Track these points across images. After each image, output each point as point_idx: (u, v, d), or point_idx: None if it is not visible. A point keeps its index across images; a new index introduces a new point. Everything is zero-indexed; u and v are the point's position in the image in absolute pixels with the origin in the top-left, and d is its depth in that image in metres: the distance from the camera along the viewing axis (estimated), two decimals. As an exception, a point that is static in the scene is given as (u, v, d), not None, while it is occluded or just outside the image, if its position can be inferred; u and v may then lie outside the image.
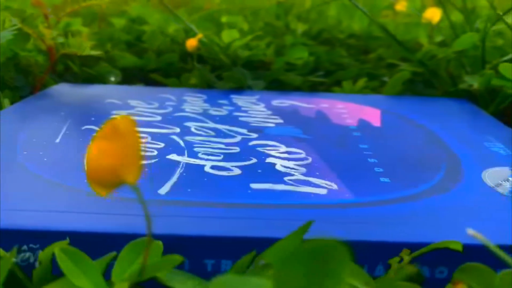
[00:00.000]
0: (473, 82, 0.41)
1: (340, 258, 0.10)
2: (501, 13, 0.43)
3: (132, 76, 0.49)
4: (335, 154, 0.28)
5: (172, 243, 0.19)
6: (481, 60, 0.45)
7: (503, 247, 0.19)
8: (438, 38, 0.52)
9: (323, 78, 0.49)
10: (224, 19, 0.69)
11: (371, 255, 0.20)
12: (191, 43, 0.46)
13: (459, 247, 0.19)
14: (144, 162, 0.26)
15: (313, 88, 0.48)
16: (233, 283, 0.12)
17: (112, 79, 0.46)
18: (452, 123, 0.36)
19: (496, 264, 0.19)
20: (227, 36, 0.47)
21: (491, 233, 0.20)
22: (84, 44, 0.38)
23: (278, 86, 0.47)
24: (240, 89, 0.43)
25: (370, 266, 0.20)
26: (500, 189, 0.25)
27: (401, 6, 0.71)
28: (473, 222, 0.21)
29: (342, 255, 0.10)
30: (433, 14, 0.55)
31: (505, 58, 0.46)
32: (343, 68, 0.52)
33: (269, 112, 0.36)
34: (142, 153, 0.13)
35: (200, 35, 0.46)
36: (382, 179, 0.25)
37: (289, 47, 0.52)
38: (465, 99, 0.43)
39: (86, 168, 0.13)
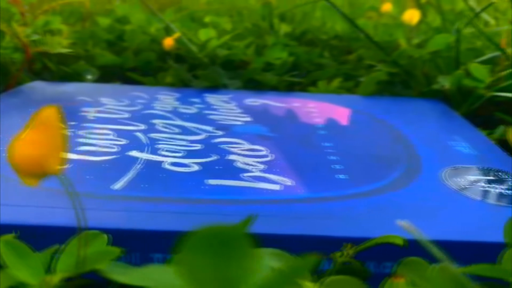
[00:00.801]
0: (445, 82, 0.41)
1: (241, 245, 0.11)
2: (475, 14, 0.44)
3: (111, 75, 0.50)
4: (298, 152, 0.29)
5: (121, 237, 0.19)
6: (455, 61, 0.45)
7: (445, 243, 0.20)
8: (417, 40, 0.53)
9: (299, 78, 0.49)
10: (207, 19, 0.69)
11: (315, 249, 0.20)
12: (168, 42, 0.46)
13: (400, 242, 0.19)
14: (95, 158, 0.26)
15: (291, 88, 0.49)
16: (151, 273, 0.12)
17: (89, 77, 0.46)
18: (420, 122, 0.36)
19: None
20: (204, 34, 0.47)
21: (436, 229, 0.21)
22: (56, 42, 0.38)
23: (256, 85, 0.47)
24: (215, 88, 0.44)
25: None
26: (455, 186, 0.25)
27: (386, 8, 0.71)
28: (421, 218, 0.22)
29: (243, 242, 0.11)
30: (412, 16, 0.55)
31: (479, 59, 0.46)
32: (322, 69, 0.53)
33: (240, 111, 0.36)
34: (65, 144, 0.13)
35: (177, 34, 0.47)
36: (339, 176, 0.26)
37: (268, 47, 0.52)
38: (438, 99, 0.43)
39: (9, 157, 0.13)
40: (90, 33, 0.57)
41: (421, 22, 0.58)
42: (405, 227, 0.15)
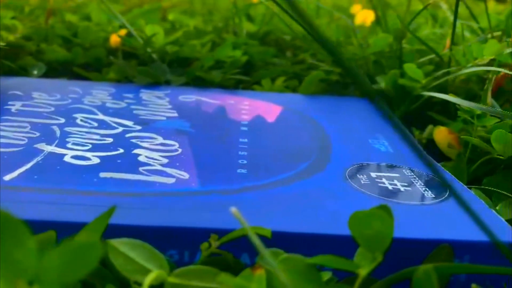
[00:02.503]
0: (382, 82, 0.42)
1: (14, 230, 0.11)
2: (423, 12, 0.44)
3: (60, 70, 0.50)
4: (210, 147, 0.29)
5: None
6: (398, 60, 0.45)
7: (319, 236, 0.20)
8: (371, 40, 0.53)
9: (245, 76, 0.49)
10: (171, 16, 0.69)
11: (186, 240, 0.20)
12: (114, 38, 0.46)
13: (267, 233, 0.19)
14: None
15: (238, 86, 0.49)
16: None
17: (35, 72, 0.46)
18: (348, 121, 0.36)
19: (310, 249, 0.20)
20: (149, 30, 0.47)
21: (317, 222, 0.21)
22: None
23: (203, 82, 0.47)
24: (157, 84, 0.44)
25: (191, 252, 0.20)
26: (354, 182, 0.26)
27: (356, 9, 0.72)
28: (304, 211, 0.22)
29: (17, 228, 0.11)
30: (365, 17, 0.56)
31: (423, 59, 0.47)
32: (275, 68, 0.53)
33: (169, 107, 0.36)
34: None
35: (123, 31, 0.47)
36: (239, 170, 0.26)
37: (219, 45, 0.52)
38: (376, 98, 0.43)
39: None
40: (48, 29, 0.57)
41: (378, 23, 0.58)
42: (235, 215, 0.16)
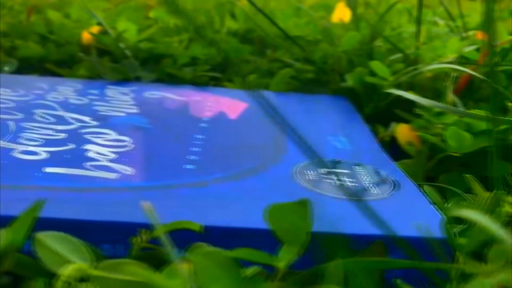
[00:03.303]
0: (349, 80, 0.42)
1: None
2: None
3: (33, 67, 0.50)
4: (163, 143, 0.29)
5: None
6: (369, 59, 0.45)
7: (249, 231, 0.20)
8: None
9: (219, 74, 0.49)
10: (151, 14, 0.69)
11: (118, 235, 0.20)
12: (85, 35, 0.46)
13: (196, 228, 0.19)
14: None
15: (212, 83, 0.49)
16: None
17: (6, 68, 0.46)
18: (312, 118, 0.36)
19: (246, 243, 0.20)
20: (121, 27, 0.47)
21: (251, 217, 0.21)
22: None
23: (174, 79, 0.47)
24: (126, 80, 0.44)
25: (125, 247, 0.20)
26: (300, 179, 0.26)
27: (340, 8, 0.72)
28: (241, 207, 0.22)
29: None
30: (343, 14, 0.56)
31: (394, 56, 0.47)
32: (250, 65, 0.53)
33: (132, 103, 0.36)
34: None
35: (94, 28, 0.47)
36: (187, 166, 0.26)
37: (193, 43, 0.52)
38: (345, 97, 0.44)
39: None
40: (25, 26, 0.57)
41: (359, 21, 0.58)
42: (146, 209, 0.16)
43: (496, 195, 0.23)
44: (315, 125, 0.35)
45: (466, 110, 0.30)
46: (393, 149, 0.37)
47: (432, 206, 0.24)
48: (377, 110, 0.44)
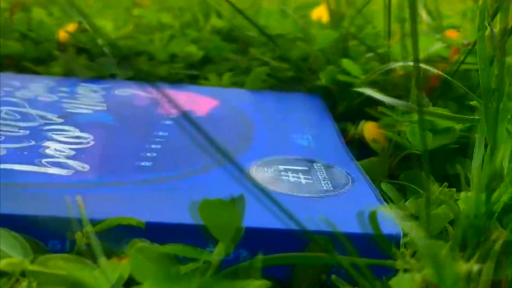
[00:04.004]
0: (322, 78, 0.42)
1: None
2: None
3: (10, 64, 0.50)
4: (124, 140, 0.29)
5: None
6: (345, 57, 0.46)
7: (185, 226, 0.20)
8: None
9: (197, 71, 0.50)
10: (135, 12, 0.69)
11: (65, 230, 0.20)
12: (62, 33, 0.46)
13: (134, 223, 0.20)
14: None
15: (189, 80, 0.49)
16: None
17: (-16, 66, 0.46)
18: (281, 116, 0.37)
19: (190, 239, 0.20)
20: (98, 24, 0.47)
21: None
22: None
23: (154, 77, 0.47)
24: (101, 77, 0.44)
25: (72, 242, 0.21)
26: (256, 175, 0.26)
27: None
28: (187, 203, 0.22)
29: None
30: (322, 13, 0.56)
31: (369, 55, 0.47)
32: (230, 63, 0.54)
33: (101, 100, 0.36)
34: None
35: (71, 26, 0.47)
36: (144, 163, 0.26)
37: (172, 40, 0.52)
38: (317, 95, 0.44)
39: None
40: (7, 24, 0.57)
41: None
42: (78, 204, 0.16)
43: (442, 192, 0.23)
44: (283, 123, 0.35)
45: (427, 108, 0.30)
46: (362, 147, 0.37)
47: (381, 204, 0.24)
48: (350, 108, 0.44)
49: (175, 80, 0.48)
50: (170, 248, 0.17)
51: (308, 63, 0.48)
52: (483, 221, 0.18)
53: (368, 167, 0.33)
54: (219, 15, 0.80)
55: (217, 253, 0.17)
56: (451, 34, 0.43)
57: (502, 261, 0.17)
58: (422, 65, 0.34)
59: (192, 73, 0.49)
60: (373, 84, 0.43)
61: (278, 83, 0.48)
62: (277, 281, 0.20)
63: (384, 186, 0.28)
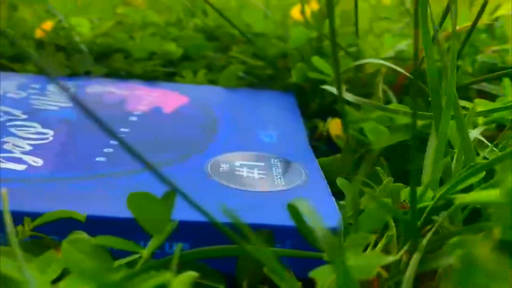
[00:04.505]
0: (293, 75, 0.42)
1: None
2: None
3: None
4: (84, 136, 0.30)
5: None
6: (320, 55, 0.46)
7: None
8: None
9: (170, 69, 0.50)
10: (119, 10, 0.70)
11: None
12: (39, 31, 0.47)
13: (78, 217, 0.20)
14: None
15: (165, 78, 0.50)
16: None
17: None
18: (249, 113, 0.37)
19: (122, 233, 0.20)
20: (75, 22, 0.48)
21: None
22: None
23: (130, 74, 0.48)
24: (76, 75, 0.44)
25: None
26: (210, 170, 0.26)
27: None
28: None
29: None
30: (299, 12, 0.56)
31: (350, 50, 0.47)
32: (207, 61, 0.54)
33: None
34: None
35: (48, 24, 0.47)
36: (99, 158, 0.27)
37: (148, 37, 0.53)
38: (291, 93, 0.44)
39: None
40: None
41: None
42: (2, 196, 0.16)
43: (386, 187, 0.23)
44: (250, 120, 0.35)
45: (385, 105, 0.30)
46: (331, 143, 0.37)
47: (330, 199, 0.24)
48: (323, 106, 0.44)
49: (151, 78, 0.48)
50: (102, 240, 0.17)
51: (285, 62, 0.48)
52: (416, 217, 0.18)
53: (332, 164, 0.33)
54: (205, 13, 0.80)
55: (150, 247, 0.17)
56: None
57: (427, 256, 0.18)
58: (387, 63, 0.34)
59: (170, 71, 0.49)
60: (346, 82, 0.43)
61: (256, 82, 0.49)
62: (225, 274, 0.21)
63: (339, 181, 0.28)
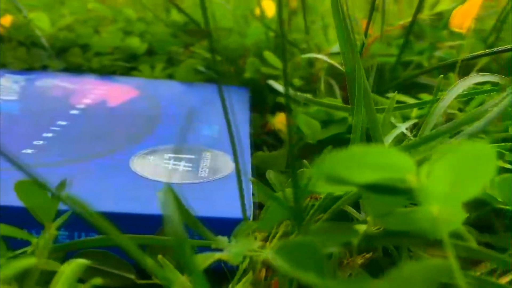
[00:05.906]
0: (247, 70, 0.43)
1: None
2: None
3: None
4: (20, 128, 0.30)
5: None
6: (281, 51, 0.46)
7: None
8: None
9: (130, 64, 0.50)
10: (90, 5, 0.70)
11: None
12: (-2, 25, 0.47)
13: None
14: None
15: (124, 72, 0.50)
16: None
17: None
18: (195, 106, 0.37)
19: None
20: (34, 17, 0.48)
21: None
22: None
23: (90, 69, 0.48)
24: (33, 69, 0.45)
25: None
26: (135, 164, 0.27)
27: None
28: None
29: None
30: (268, 8, 0.56)
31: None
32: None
33: (16, 90, 0.37)
34: None
35: (7, 18, 0.48)
36: (26, 150, 0.27)
37: (109, 33, 0.53)
38: (246, 88, 0.44)
39: None
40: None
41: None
42: None
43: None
44: (195, 113, 0.36)
45: (319, 100, 0.30)
46: (280, 138, 0.38)
47: (248, 191, 0.25)
48: (277, 101, 0.44)
49: (109, 72, 0.48)
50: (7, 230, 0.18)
51: (242, 57, 0.48)
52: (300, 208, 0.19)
53: (274, 157, 0.34)
54: (180, 9, 0.80)
55: (43, 235, 0.18)
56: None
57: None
58: (325, 58, 0.34)
59: (130, 66, 0.50)
60: (300, 78, 0.44)
61: (215, 77, 0.49)
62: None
63: (268, 174, 0.28)
